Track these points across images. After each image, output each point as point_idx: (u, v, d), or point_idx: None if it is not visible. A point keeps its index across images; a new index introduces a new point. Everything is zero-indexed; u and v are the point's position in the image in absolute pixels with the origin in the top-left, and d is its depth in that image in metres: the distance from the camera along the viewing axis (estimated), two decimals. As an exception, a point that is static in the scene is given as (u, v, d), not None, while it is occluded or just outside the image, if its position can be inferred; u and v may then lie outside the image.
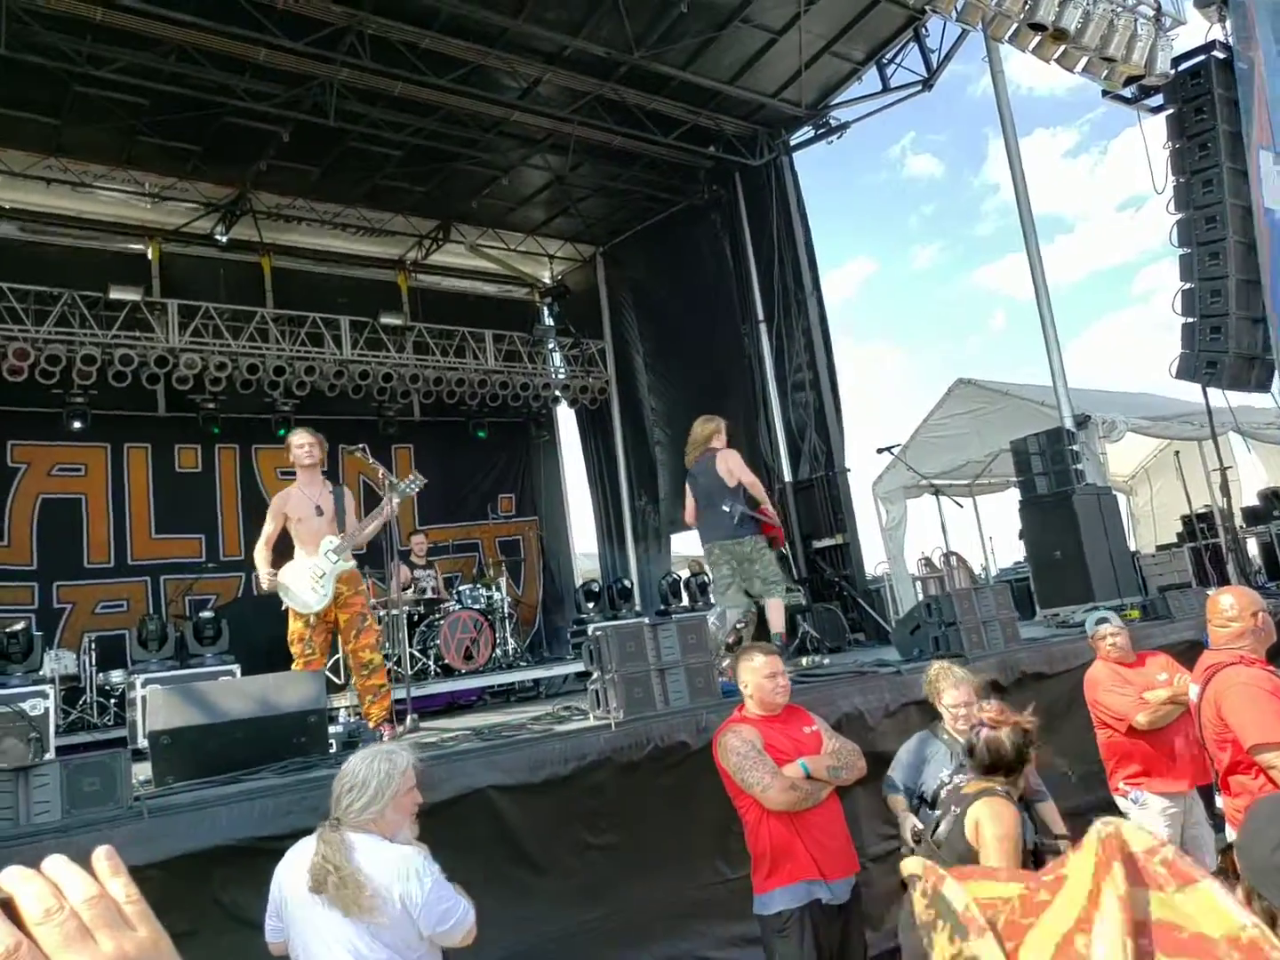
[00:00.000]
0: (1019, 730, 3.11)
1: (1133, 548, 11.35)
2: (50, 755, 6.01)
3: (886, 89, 10.94)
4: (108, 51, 8.22)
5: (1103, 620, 5.00)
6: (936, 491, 7.49)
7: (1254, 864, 1.40)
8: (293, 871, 2.71)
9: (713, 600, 6.71)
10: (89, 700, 8.54)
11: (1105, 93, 8.95)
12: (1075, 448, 8.71)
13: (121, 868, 0.63)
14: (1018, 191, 9.56)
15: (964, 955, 0.70)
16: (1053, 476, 8.54)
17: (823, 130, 11.47)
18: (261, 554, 5.38)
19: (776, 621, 6.21)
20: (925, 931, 0.75)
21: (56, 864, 0.61)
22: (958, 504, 7.87)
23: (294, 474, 5.67)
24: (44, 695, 7.09)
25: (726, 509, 6.09)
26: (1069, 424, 9.09)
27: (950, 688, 3.95)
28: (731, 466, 6.22)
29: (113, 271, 10.40)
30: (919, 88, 10.77)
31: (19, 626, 7.97)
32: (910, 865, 0.81)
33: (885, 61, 10.77)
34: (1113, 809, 4.96)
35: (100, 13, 7.77)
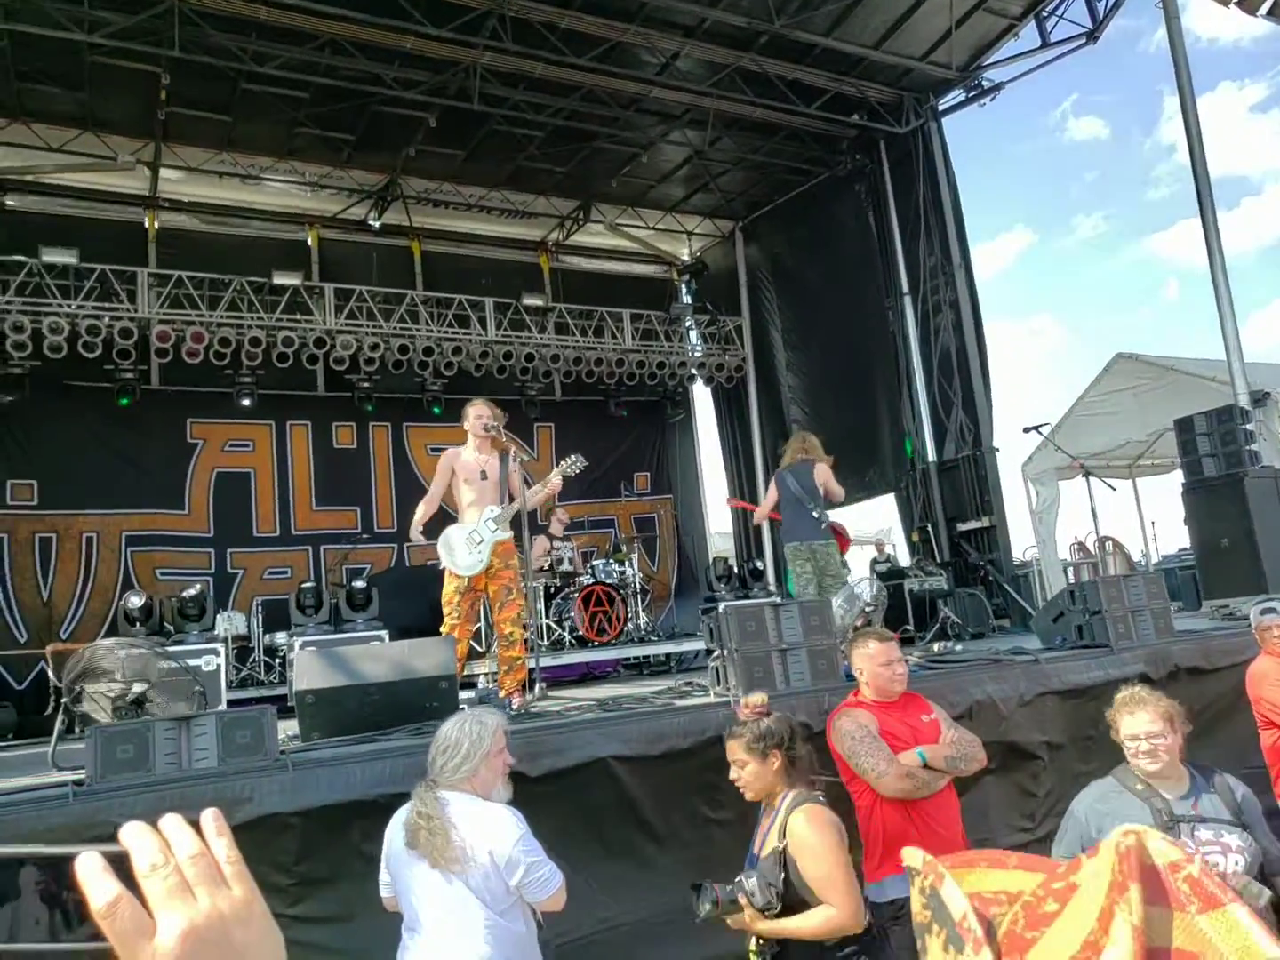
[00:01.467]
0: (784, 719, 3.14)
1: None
2: (223, 707, 6.53)
3: (1046, 44, 10.34)
4: (270, 48, 8.71)
5: (1269, 610, 4.65)
6: (1087, 473, 7.11)
7: None
8: (396, 829, 2.86)
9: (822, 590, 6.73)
10: (257, 659, 9.21)
11: (1291, 38, 8.18)
12: (1249, 427, 8.12)
13: (226, 829, 0.67)
14: (1193, 150, 8.92)
15: None
16: (1222, 458, 8.00)
17: (974, 92, 10.97)
18: (421, 509, 5.68)
19: None
20: (920, 932, 0.71)
21: (170, 822, 0.65)
22: (1110, 486, 7.43)
23: (443, 450, 5.95)
24: (216, 653, 7.68)
25: (816, 515, 6.86)
26: (1243, 401, 8.46)
27: (1128, 714, 3.14)
28: (826, 479, 7.00)
29: (276, 258, 11.03)
30: (1083, 41, 10.14)
31: (194, 591, 8.64)
32: (909, 856, 0.76)
33: (1045, 15, 10.17)
34: (1275, 818, 4.64)
35: (264, 11, 8.24)
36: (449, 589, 5.56)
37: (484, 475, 5.64)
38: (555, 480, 5.79)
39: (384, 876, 2.93)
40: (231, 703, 7.37)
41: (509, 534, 5.62)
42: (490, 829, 2.70)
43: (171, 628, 8.62)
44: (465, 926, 2.64)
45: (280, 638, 9.14)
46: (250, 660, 9.28)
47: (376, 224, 11.89)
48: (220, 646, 7.85)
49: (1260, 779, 5.35)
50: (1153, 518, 12.50)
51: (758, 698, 3.17)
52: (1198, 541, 8.33)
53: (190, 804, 3.38)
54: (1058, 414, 11.64)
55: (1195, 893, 0.62)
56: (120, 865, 0.63)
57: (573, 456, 5.97)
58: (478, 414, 5.75)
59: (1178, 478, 8.71)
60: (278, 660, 9.12)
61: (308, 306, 10.70)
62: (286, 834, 3.52)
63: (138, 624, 8.28)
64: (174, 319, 9.98)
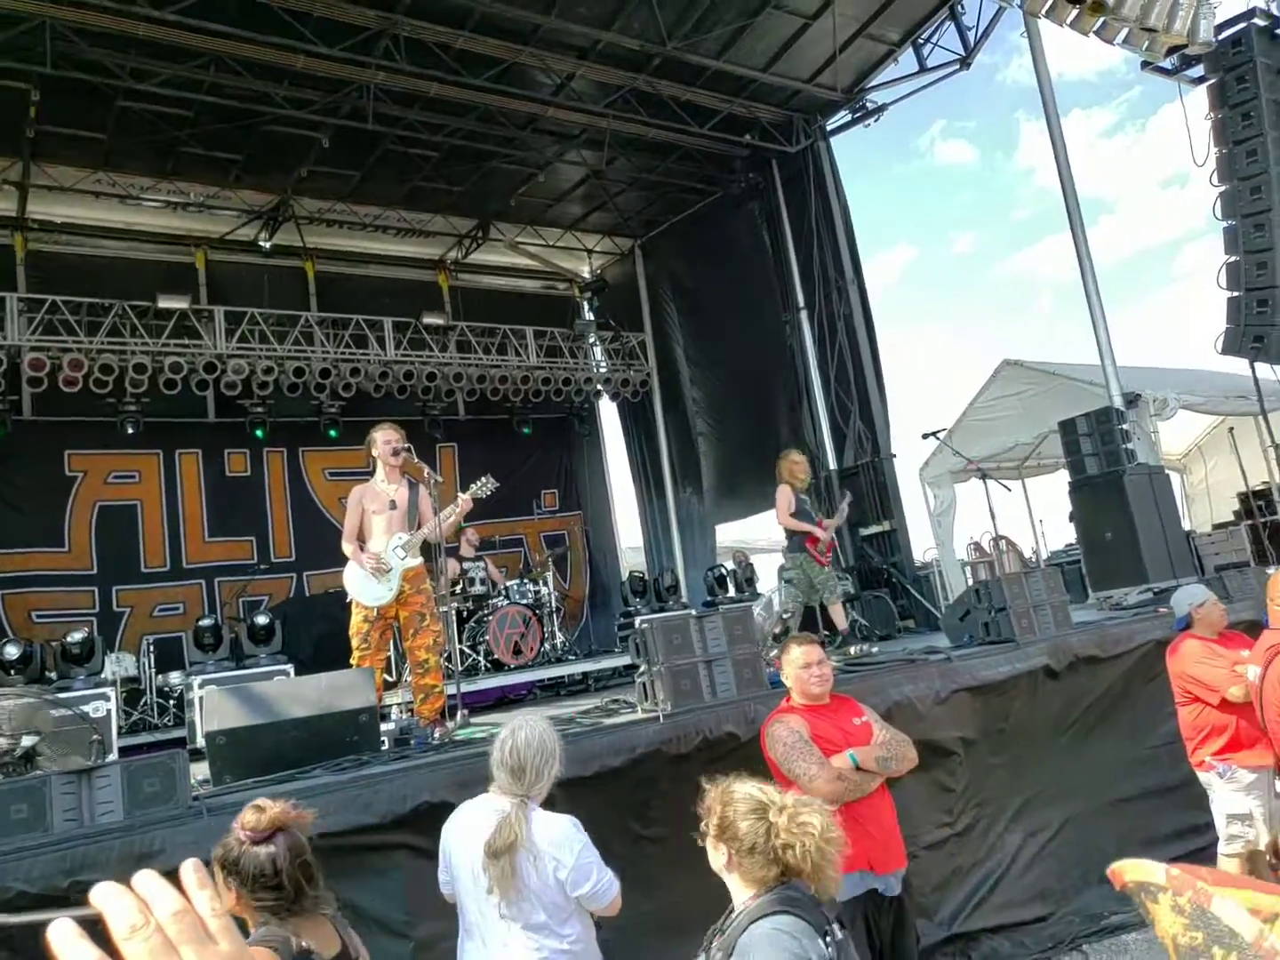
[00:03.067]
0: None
1: (1187, 527, 11.10)
2: (114, 756, 6.18)
3: (923, 69, 10.78)
4: (150, 65, 8.37)
5: (1202, 590, 4.96)
6: (984, 475, 7.38)
7: None
8: (461, 833, 2.86)
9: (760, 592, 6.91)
10: (149, 701, 8.77)
11: (1145, 64, 8.72)
12: (1125, 427, 8.55)
13: (208, 881, 0.63)
14: (1060, 167, 9.38)
15: None
16: (1103, 457, 8.38)
17: (859, 114, 11.34)
18: (349, 548, 5.49)
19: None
20: (1192, 958, 0.62)
21: (145, 879, 0.62)
22: (1005, 487, 7.74)
23: (342, 475, 5.77)
24: (106, 698, 7.27)
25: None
26: (1118, 403, 8.91)
27: None
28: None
29: (161, 281, 10.61)
30: (956, 66, 10.61)
31: (79, 636, 8.17)
32: (1143, 870, 0.66)
33: (921, 42, 10.62)
34: (1177, 790, 4.89)
35: (142, 27, 7.91)
36: (357, 619, 5.40)
37: (393, 505, 5.51)
38: (465, 503, 5.67)
39: (443, 875, 2.92)
40: (124, 749, 7.00)
41: (418, 560, 5.51)
42: (558, 838, 2.75)
43: (54, 674, 8.13)
44: (529, 934, 2.69)
45: (175, 677, 8.73)
46: (141, 703, 8.82)
47: (267, 245, 11.55)
48: (110, 691, 7.45)
49: (1156, 758, 5.66)
50: (1040, 516, 13.05)
51: (264, 812, 2.30)
52: (1083, 536, 8.72)
53: (95, 864, 3.19)
54: (950, 420, 12.05)
55: None
56: (95, 930, 0.59)
57: (484, 478, 5.89)
58: (385, 439, 5.60)
59: (1063, 477, 9.11)
60: (172, 702, 8.70)
61: (196, 330, 10.31)
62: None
63: (14, 672, 7.78)
64: (48, 346, 9.47)
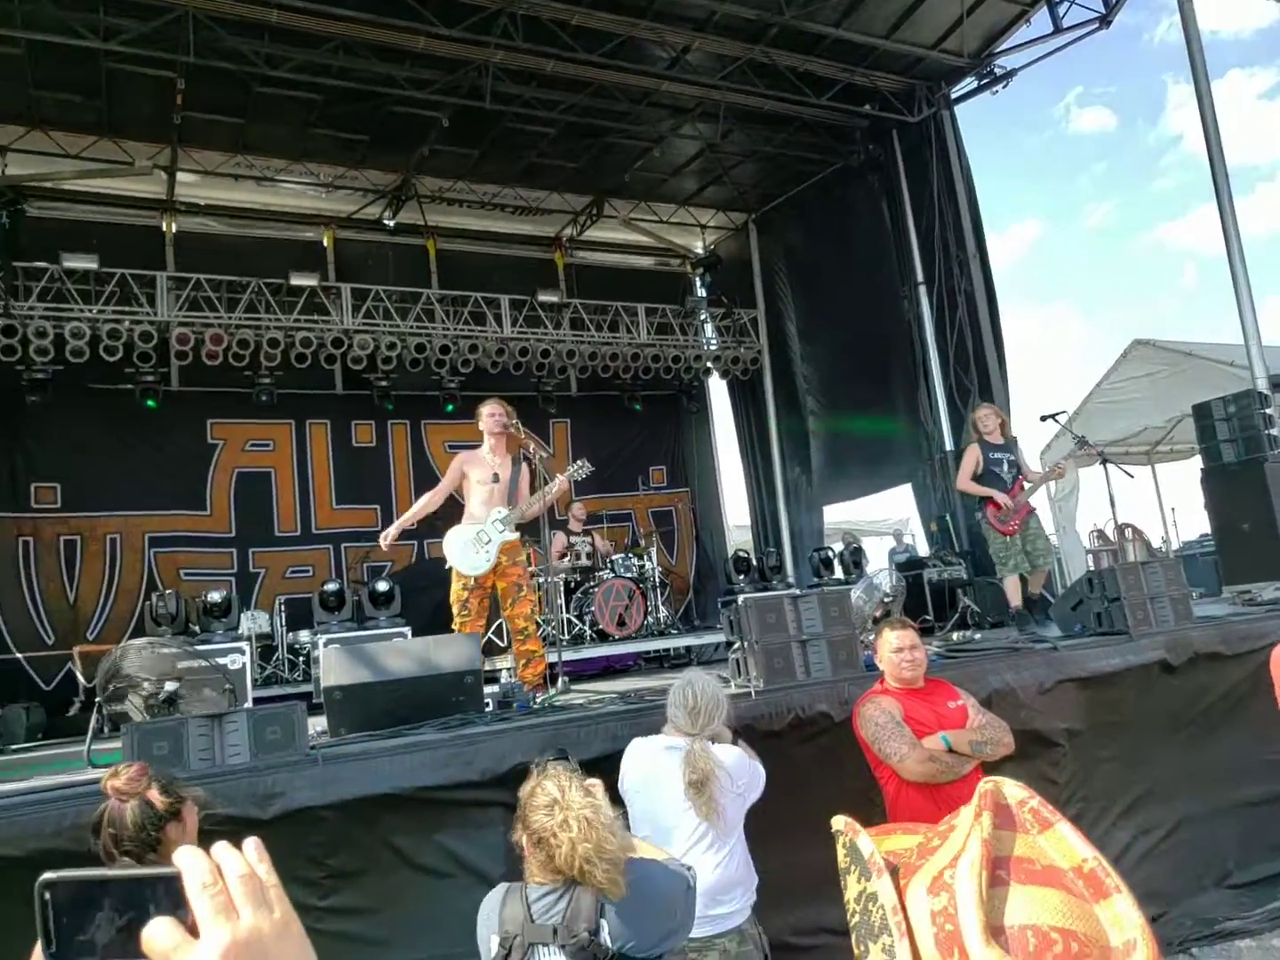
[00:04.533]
0: (146, 805, 2.38)
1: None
2: (248, 705, 6.62)
3: (1059, 29, 10.22)
4: (282, 51, 8.76)
5: None
6: (1104, 460, 7.09)
7: None
8: (645, 769, 3.36)
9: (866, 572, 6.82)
10: (281, 657, 9.32)
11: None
12: (1269, 411, 8.07)
13: (265, 855, 0.73)
14: (1208, 133, 8.84)
15: (866, 892, 0.84)
16: (1241, 443, 7.96)
17: (987, 80, 10.90)
18: (421, 502, 5.75)
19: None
20: (842, 875, 0.89)
21: (220, 848, 0.71)
22: (1128, 474, 7.41)
23: (460, 447, 6.00)
24: (241, 651, 7.77)
25: None
26: (1261, 385, 8.40)
27: None
28: None
29: (292, 259, 11.11)
30: (1095, 25, 10.04)
31: (219, 596, 8.73)
32: (835, 822, 0.94)
33: (1057, 1, 10.11)
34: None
35: (275, 14, 8.29)
36: (456, 587, 5.62)
37: (496, 478, 5.69)
38: (562, 483, 5.81)
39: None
40: (257, 700, 7.43)
41: (516, 535, 5.69)
42: (737, 764, 3.30)
43: (197, 627, 8.75)
44: (720, 841, 3.22)
45: (304, 636, 9.24)
46: (274, 658, 9.40)
47: (391, 223, 11.95)
48: (245, 645, 7.94)
49: (1283, 764, 5.36)
50: (1172, 504, 12.44)
51: (125, 773, 2.40)
52: (1217, 527, 8.30)
53: (224, 798, 3.45)
54: (1075, 401, 11.59)
55: (1035, 819, 0.83)
56: (172, 887, 0.69)
57: (580, 462, 6.00)
58: (490, 412, 5.78)
59: (1197, 464, 8.68)
60: (301, 658, 9.23)
61: (324, 307, 10.79)
62: (318, 828, 3.59)
63: (163, 624, 8.40)
64: (193, 321, 10.08)
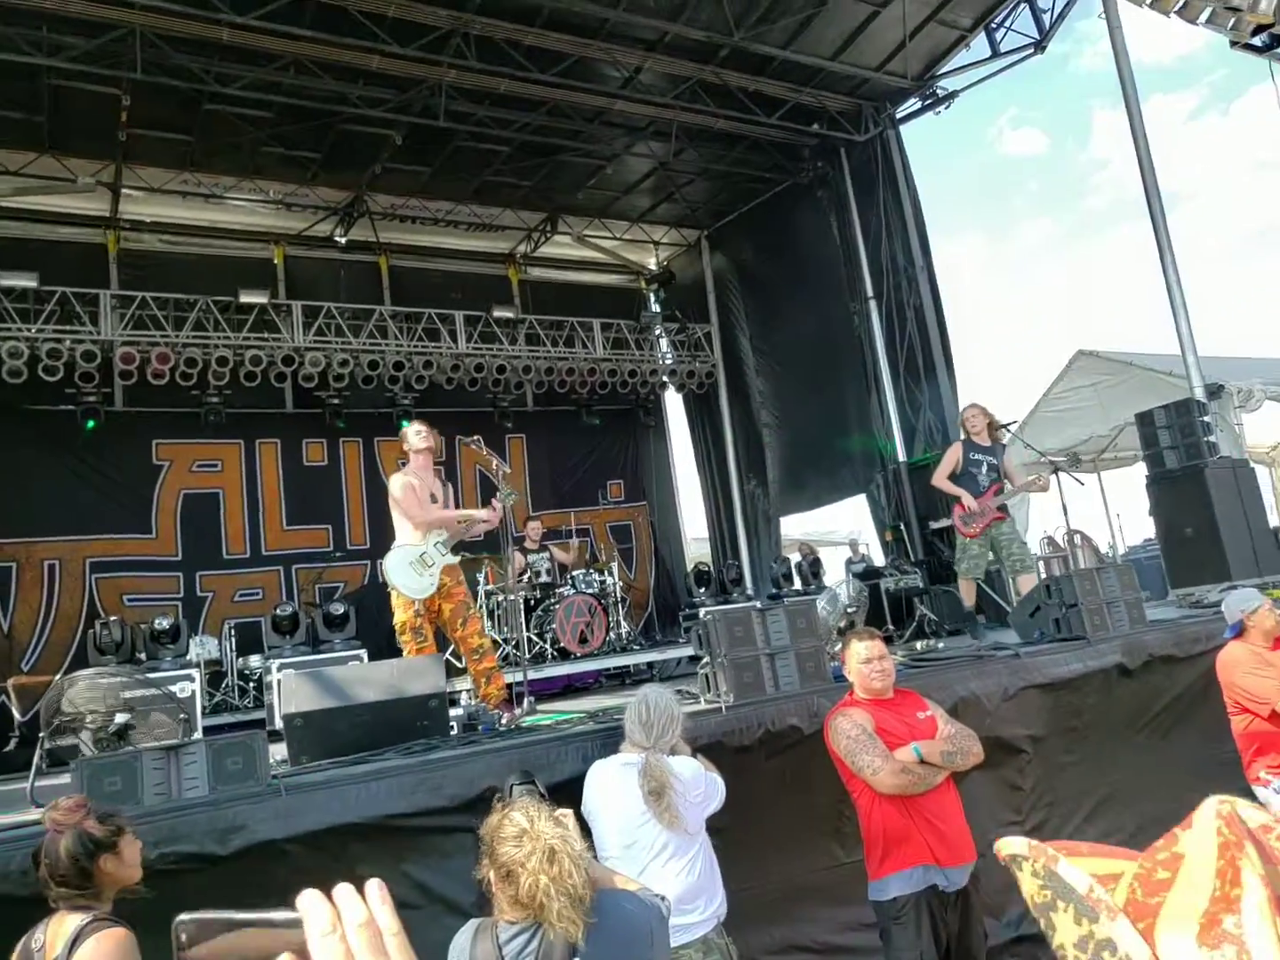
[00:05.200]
0: (83, 835, 2.40)
1: (1275, 523, 10.70)
2: (198, 735, 6.45)
3: (996, 54, 10.54)
4: (233, 69, 8.66)
5: (1256, 595, 4.72)
6: (1056, 469, 7.23)
7: None
8: (605, 789, 3.40)
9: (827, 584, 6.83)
10: (230, 683, 9.09)
11: (1234, 43, 8.41)
12: (1207, 419, 8.29)
13: (389, 899, 0.70)
14: (1139, 153, 9.10)
15: (1096, 938, 0.71)
16: (1183, 450, 8.15)
17: (930, 101, 11.15)
18: (445, 512, 5.58)
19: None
20: (1043, 912, 0.76)
21: (342, 892, 0.69)
22: (1078, 481, 7.56)
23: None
24: (191, 679, 7.58)
25: None
26: (1199, 394, 8.65)
27: None
28: None
29: (242, 277, 10.94)
30: (1030, 50, 10.35)
31: (167, 623, 8.50)
32: (1010, 845, 0.81)
33: (994, 26, 10.39)
34: (1251, 798, 4.75)
35: (225, 33, 8.18)
36: (406, 616, 5.42)
37: (433, 499, 5.62)
38: (495, 513, 5.70)
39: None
40: (206, 730, 7.26)
41: (458, 557, 5.62)
42: (693, 774, 3.39)
43: (144, 655, 8.49)
44: (681, 852, 3.27)
45: (254, 661, 9.03)
46: (223, 685, 9.15)
47: (343, 240, 11.83)
48: (195, 672, 7.76)
49: (1236, 761, 5.50)
50: (1118, 510, 12.71)
51: (63, 804, 2.49)
52: (1163, 532, 8.49)
53: (183, 836, 3.34)
54: (1023, 411, 11.81)
55: None
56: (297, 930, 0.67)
57: (506, 489, 5.84)
58: (416, 430, 5.68)
59: (1141, 470, 8.88)
60: (251, 684, 9.01)
61: (275, 324, 10.63)
62: (282, 861, 3.48)
63: (107, 653, 8.15)
64: (138, 340, 9.87)
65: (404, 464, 5.80)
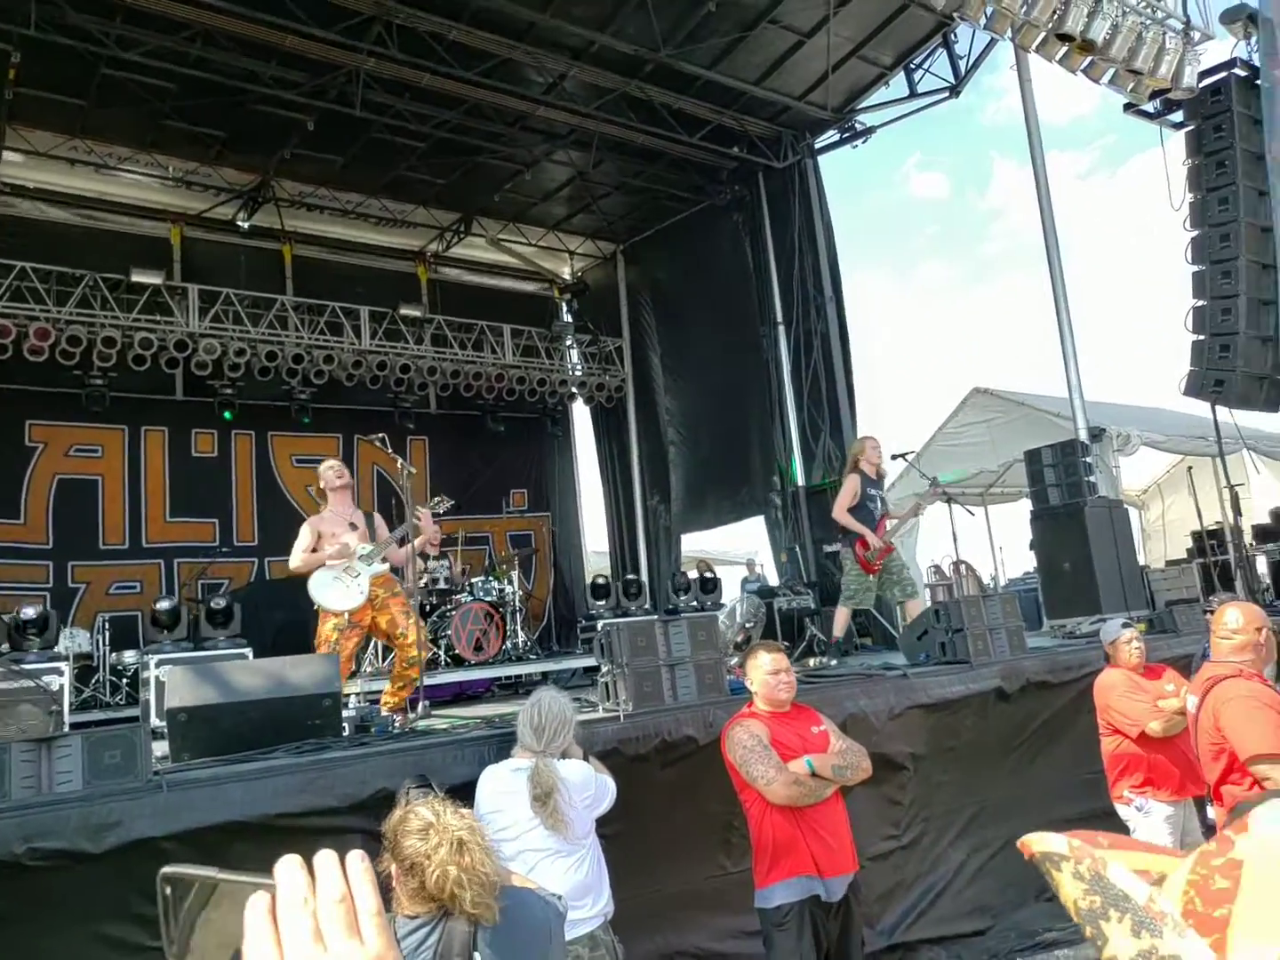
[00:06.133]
0: None
1: (1143, 562, 11.32)
2: (66, 730, 6.11)
3: (913, 94, 10.94)
4: (136, 34, 8.27)
5: (1126, 625, 5.01)
6: (949, 499, 7.52)
7: None
8: (496, 795, 3.38)
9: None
10: (101, 679, 8.64)
11: (1128, 106, 8.94)
12: (1088, 460, 8.70)
13: (371, 874, 0.65)
14: (1040, 199, 9.54)
15: (1159, 953, 0.64)
16: (1065, 488, 8.52)
17: (848, 134, 11.50)
18: (301, 559, 5.43)
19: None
20: (1091, 919, 0.69)
21: (324, 860, 0.64)
22: (969, 512, 7.88)
23: (309, 461, 5.81)
24: (59, 672, 7.19)
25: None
26: (1083, 436, 9.08)
27: None
28: None
29: (135, 255, 10.46)
30: (946, 94, 10.77)
31: (33, 612, 8.04)
32: (1048, 841, 0.72)
33: (913, 67, 10.78)
34: (1113, 817, 5.00)
35: (131, -5, 7.85)
36: (326, 629, 5.34)
37: (353, 527, 5.54)
38: (426, 518, 5.74)
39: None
40: (75, 725, 6.89)
41: (385, 566, 5.53)
42: (583, 777, 3.42)
43: (7, 645, 8.00)
44: (567, 854, 3.31)
45: (129, 656, 8.61)
46: (94, 681, 8.69)
47: (245, 225, 11.44)
48: (64, 665, 7.36)
49: (1097, 783, 5.79)
50: (1001, 543, 13.25)
51: None
52: (1042, 565, 8.87)
53: (52, 832, 3.17)
54: (919, 445, 12.21)
55: None
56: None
57: (439, 498, 6.01)
58: (328, 465, 5.75)
59: (1025, 505, 9.27)
60: (125, 680, 8.58)
61: (169, 307, 10.20)
62: (159, 860, 3.31)
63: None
64: (15, 313, 9.32)
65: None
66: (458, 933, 2.12)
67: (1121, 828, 5.02)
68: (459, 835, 2.12)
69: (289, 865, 0.63)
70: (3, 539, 10.00)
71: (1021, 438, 10.24)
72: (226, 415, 10.97)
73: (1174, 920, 0.64)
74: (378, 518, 5.80)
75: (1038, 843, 0.74)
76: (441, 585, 9.09)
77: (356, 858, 0.66)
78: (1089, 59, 6.75)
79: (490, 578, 9.53)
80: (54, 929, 3.24)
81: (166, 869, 0.65)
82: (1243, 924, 0.64)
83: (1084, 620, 7.91)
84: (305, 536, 5.50)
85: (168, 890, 0.65)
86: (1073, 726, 6.20)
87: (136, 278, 10.02)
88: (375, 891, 0.64)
